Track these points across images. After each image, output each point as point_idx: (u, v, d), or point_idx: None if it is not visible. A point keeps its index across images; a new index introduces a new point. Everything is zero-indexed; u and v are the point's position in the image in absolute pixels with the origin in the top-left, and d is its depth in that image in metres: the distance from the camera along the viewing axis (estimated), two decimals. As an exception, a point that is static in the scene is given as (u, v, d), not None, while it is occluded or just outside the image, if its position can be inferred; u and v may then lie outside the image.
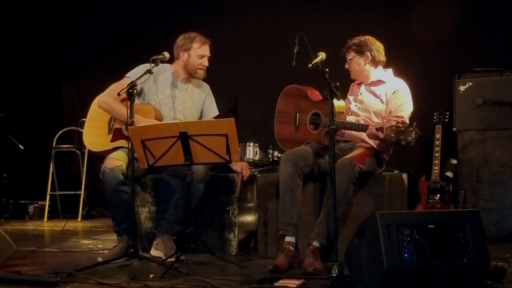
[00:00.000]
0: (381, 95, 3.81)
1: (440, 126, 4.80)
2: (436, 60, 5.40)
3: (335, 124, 3.62)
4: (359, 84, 3.98)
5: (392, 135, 3.28)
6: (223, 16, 6.25)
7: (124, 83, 3.86)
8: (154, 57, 3.84)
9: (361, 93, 3.89)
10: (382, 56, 3.88)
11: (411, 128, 3.23)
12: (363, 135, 3.67)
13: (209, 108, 4.21)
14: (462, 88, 4.86)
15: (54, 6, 6.79)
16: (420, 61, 5.46)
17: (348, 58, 3.90)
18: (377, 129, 3.43)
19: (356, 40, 3.88)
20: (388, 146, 3.74)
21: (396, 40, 5.48)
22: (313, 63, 3.43)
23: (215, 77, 5.34)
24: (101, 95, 4.02)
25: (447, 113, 4.83)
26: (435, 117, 4.85)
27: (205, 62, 4.09)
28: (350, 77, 3.98)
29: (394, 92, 3.79)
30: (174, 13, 6.16)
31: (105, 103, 3.94)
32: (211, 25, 6.16)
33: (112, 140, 3.92)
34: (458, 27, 5.25)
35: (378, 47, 3.87)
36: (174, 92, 4.08)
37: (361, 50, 3.84)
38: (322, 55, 3.54)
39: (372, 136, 3.50)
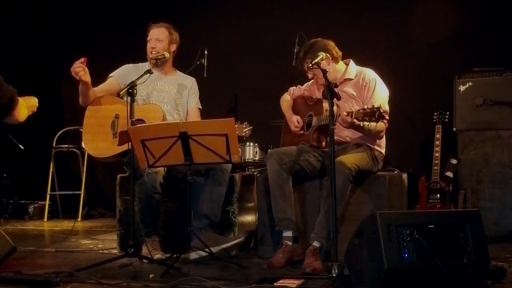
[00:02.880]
0: (353, 94, 3.76)
1: (440, 126, 4.80)
2: (436, 60, 5.41)
3: (318, 123, 3.64)
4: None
5: (359, 117, 3.28)
6: (223, 16, 6.26)
7: (108, 83, 4.05)
8: (154, 57, 3.86)
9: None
10: (337, 50, 3.78)
11: (374, 109, 3.21)
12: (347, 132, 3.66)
13: (190, 99, 4.19)
14: (462, 88, 4.86)
15: (54, 6, 6.79)
16: (420, 61, 5.47)
17: (309, 67, 3.62)
18: (347, 114, 3.38)
19: (306, 48, 3.73)
20: (365, 133, 3.67)
21: (396, 40, 5.50)
22: (313, 63, 3.44)
23: (215, 77, 5.37)
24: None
25: (447, 113, 4.83)
26: (435, 117, 4.85)
27: (152, 44, 4.02)
28: (318, 83, 3.82)
29: (364, 86, 3.73)
30: (174, 13, 6.16)
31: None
32: (211, 25, 6.18)
33: (120, 144, 3.88)
34: (458, 27, 5.26)
35: (329, 44, 3.75)
36: (158, 85, 4.09)
37: (317, 56, 3.62)
38: (322, 55, 3.55)
39: (343, 122, 3.44)
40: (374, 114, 3.20)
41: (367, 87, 3.72)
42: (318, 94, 3.87)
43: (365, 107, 3.28)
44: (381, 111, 3.19)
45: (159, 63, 3.92)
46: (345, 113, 3.37)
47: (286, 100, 4.07)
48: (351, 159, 3.54)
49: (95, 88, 4.01)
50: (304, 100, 3.95)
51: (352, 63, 3.83)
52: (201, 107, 4.22)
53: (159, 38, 4.04)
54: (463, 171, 4.80)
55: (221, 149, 3.39)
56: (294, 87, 4.07)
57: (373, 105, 3.22)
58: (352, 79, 3.78)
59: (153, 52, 4.02)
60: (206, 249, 3.56)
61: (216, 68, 5.37)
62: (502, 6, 5.17)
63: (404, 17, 5.43)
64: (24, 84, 6.79)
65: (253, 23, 6.10)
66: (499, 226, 4.64)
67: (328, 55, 3.70)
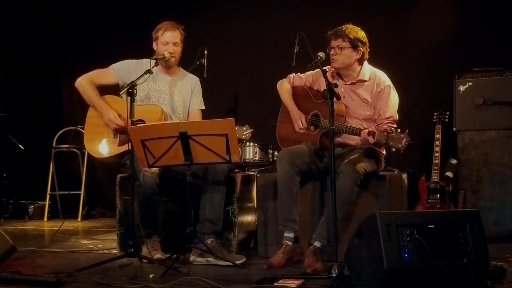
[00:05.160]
0: (366, 98, 3.71)
1: (440, 126, 4.80)
2: (436, 60, 5.40)
3: (328, 129, 3.62)
4: (334, 77, 3.80)
5: (383, 141, 3.27)
6: (223, 16, 6.26)
7: (106, 72, 4.03)
8: (154, 56, 3.85)
9: (343, 96, 3.71)
10: (368, 52, 3.75)
11: (402, 135, 3.20)
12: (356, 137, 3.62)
13: (192, 100, 4.15)
14: (462, 88, 4.86)
15: (54, 6, 6.79)
16: (420, 61, 5.47)
17: (340, 46, 3.64)
18: (368, 134, 3.38)
19: (353, 31, 3.65)
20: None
21: (396, 40, 5.50)
22: (313, 63, 3.43)
23: (215, 77, 5.36)
24: (81, 77, 4.02)
25: (447, 113, 4.83)
26: (435, 117, 4.84)
27: (170, 49, 3.96)
28: (331, 65, 3.75)
29: (378, 92, 3.69)
30: (174, 13, 6.12)
31: (82, 86, 3.99)
32: (212, 25, 6.18)
33: (120, 144, 3.88)
34: (458, 27, 5.26)
35: (367, 44, 3.72)
36: (159, 86, 4.06)
37: (356, 44, 3.65)
38: (322, 55, 3.54)
39: (364, 140, 3.46)
40: (401, 140, 3.19)
41: (380, 94, 3.69)
42: (323, 85, 3.73)
43: (391, 131, 3.26)
44: (408, 139, 3.18)
45: (159, 63, 3.90)
46: (366, 132, 3.37)
47: (287, 88, 3.98)
48: (360, 162, 3.52)
49: (91, 77, 4.01)
50: (308, 94, 3.88)
51: (366, 63, 3.77)
52: (204, 107, 4.20)
53: (176, 43, 4.00)
54: (463, 171, 4.81)
55: (221, 149, 3.39)
56: (294, 74, 3.99)
57: (402, 133, 3.20)
58: (366, 81, 3.74)
59: (171, 57, 3.96)
60: (212, 257, 3.59)
61: (216, 68, 5.36)
62: (502, 6, 5.17)
63: (404, 17, 5.43)
64: (24, 84, 6.88)
65: (253, 23, 6.10)
66: (499, 226, 4.65)
67: (362, 51, 3.67)
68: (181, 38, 4.04)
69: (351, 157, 3.59)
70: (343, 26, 3.69)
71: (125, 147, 3.82)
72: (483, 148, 4.76)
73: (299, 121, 3.80)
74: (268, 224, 3.91)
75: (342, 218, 3.49)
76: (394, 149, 3.26)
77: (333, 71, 3.81)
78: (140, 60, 3.99)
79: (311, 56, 3.46)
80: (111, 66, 4.06)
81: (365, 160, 3.59)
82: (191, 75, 4.24)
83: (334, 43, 3.68)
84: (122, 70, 3.97)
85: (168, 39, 3.98)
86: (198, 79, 4.23)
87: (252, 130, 3.73)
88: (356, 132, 3.50)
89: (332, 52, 3.68)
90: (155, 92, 4.04)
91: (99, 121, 3.97)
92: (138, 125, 3.53)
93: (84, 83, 3.99)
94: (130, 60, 4.05)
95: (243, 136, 3.70)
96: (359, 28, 3.70)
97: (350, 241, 3.02)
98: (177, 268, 3.30)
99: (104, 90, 4.08)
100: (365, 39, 3.70)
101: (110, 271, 3.37)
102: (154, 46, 4.04)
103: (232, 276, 3.24)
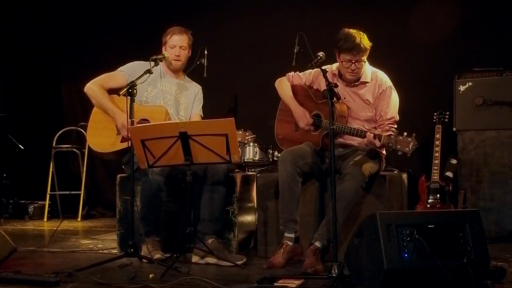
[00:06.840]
0: (368, 99, 3.71)
1: (440, 126, 4.80)
2: (436, 60, 5.40)
3: (335, 127, 3.62)
4: (334, 77, 3.77)
5: (390, 144, 3.26)
6: (224, 16, 6.26)
7: (115, 75, 4.03)
8: (154, 56, 3.87)
9: (344, 98, 3.71)
10: None
11: (409, 139, 3.20)
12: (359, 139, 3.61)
13: (194, 105, 4.20)
14: (462, 88, 4.86)
15: (54, 6, 6.79)
16: (420, 61, 5.47)
17: (362, 61, 3.61)
18: (374, 137, 3.37)
19: (366, 42, 3.58)
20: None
21: (396, 40, 5.50)
22: (313, 63, 3.43)
23: (215, 77, 5.36)
24: (90, 82, 4.03)
25: (447, 113, 4.83)
26: (435, 117, 4.84)
27: (177, 52, 4.03)
28: (347, 77, 3.70)
29: (380, 93, 3.69)
30: (175, 14, 6.16)
31: (92, 91, 3.99)
32: (212, 25, 6.18)
33: (123, 141, 3.89)
34: (458, 27, 5.26)
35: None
36: (165, 87, 4.10)
37: (367, 52, 3.63)
38: (322, 55, 3.53)
39: (369, 143, 3.44)
40: (408, 144, 3.18)
41: (382, 95, 3.69)
42: (322, 85, 3.69)
43: (395, 133, 3.26)
44: (415, 143, 3.18)
45: (159, 63, 3.91)
46: (372, 135, 3.36)
47: (287, 87, 3.94)
48: (366, 165, 3.52)
49: (101, 81, 4.00)
50: (308, 93, 3.86)
51: (367, 64, 3.74)
52: (202, 115, 4.23)
53: (183, 46, 4.05)
54: (463, 171, 4.81)
55: (221, 149, 3.39)
56: (293, 73, 3.96)
57: (409, 137, 3.19)
58: (368, 82, 3.73)
59: (177, 60, 4.04)
60: (212, 257, 3.59)
61: (216, 68, 5.36)
62: (502, 6, 5.17)
63: (405, 17, 5.43)
64: (25, 84, 6.88)
65: (253, 23, 6.10)
66: (499, 226, 4.65)
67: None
68: (188, 42, 4.09)
69: (355, 159, 3.58)
70: (356, 38, 3.56)
71: (127, 144, 3.83)
72: (483, 148, 4.76)
73: (304, 118, 3.76)
74: (268, 224, 3.91)
75: (345, 220, 3.49)
76: (400, 153, 3.25)
77: (333, 71, 3.81)
78: (147, 62, 3.99)
79: (311, 56, 3.46)
80: (119, 69, 4.07)
81: (370, 161, 3.58)
82: (194, 82, 4.29)
83: (354, 58, 3.59)
84: (132, 72, 3.96)
85: (176, 43, 4.03)
86: (201, 87, 4.28)
87: (254, 135, 3.75)
88: (361, 134, 3.49)
89: (352, 66, 3.62)
90: (161, 93, 4.08)
91: (103, 117, 3.99)
92: (138, 125, 3.54)
93: (95, 87, 3.98)
94: (138, 61, 4.07)
95: (245, 141, 3.72)
96: (363, 34, 3.65)
97: (350, 241, 3.02)
98: (177, 268, 3.29)
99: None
100: (369, 46, 3.65)
101: (110, 271, 3.37)
102: (163, 50, 4.09)
103: (232, 276, 3.24)
